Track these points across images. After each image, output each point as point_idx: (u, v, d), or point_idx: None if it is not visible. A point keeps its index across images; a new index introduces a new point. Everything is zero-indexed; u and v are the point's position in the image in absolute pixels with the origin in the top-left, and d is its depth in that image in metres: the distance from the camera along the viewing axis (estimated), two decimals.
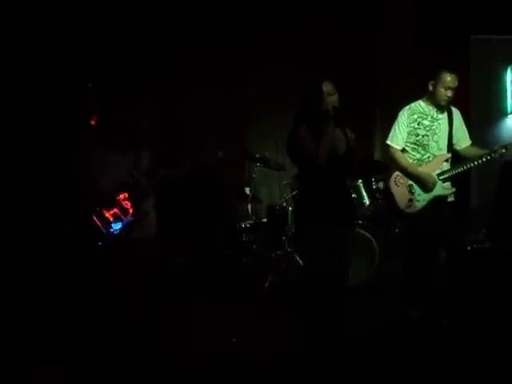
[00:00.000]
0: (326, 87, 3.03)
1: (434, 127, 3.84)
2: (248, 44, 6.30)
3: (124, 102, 5.47)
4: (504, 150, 3.69)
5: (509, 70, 5.80)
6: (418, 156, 3.88)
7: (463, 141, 3.92)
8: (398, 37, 6.26)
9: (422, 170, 3.84)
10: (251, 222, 5.66)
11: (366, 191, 5.23)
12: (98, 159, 5.38)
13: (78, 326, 3.73)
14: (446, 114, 3.87)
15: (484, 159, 3.73)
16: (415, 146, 3.88)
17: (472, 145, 3.95)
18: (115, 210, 5.44)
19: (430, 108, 3.87)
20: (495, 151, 3.70)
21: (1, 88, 4.79)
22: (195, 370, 3.34)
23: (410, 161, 3.90)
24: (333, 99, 3.02)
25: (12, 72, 4.87)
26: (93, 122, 4.84)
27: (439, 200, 3.82)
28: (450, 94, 3.75)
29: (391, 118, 4.01)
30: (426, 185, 3.80)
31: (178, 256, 5.72)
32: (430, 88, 3.80)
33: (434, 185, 3.79)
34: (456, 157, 3.92)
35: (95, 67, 5.39)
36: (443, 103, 3.81)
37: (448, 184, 3.84)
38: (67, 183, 4.78)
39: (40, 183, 4.59)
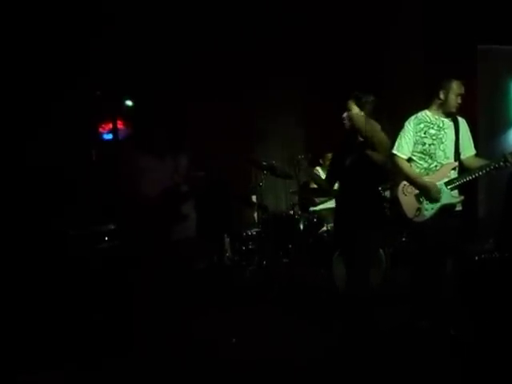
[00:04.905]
0: None
1: (440, 136, 3.85)
2: (256, 52, 6.32)
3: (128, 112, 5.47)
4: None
5: None
6: (426, 165, 3.88)
7: (468, 150, 3.92)
8: (406, 38, 6.28)
9: (430, 178, 3.84)
10: (257, 229, 5.65)
11: None
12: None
13: (81, 333, 3.74)
14: (452, 122, 3.89)
15: (492, 167, 3.70)
16: (422, 155, 3.88)
17: (477, 155, 3.95)
18: None
19: (436, 117, 3.89)
20: (505, 158, 3.66)
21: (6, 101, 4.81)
22: (195, 374, 3.36)
23: (418, 170, 3.90)
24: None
25: (21, 84, 4.89)
26: (101, 130, 4.85)
27: (447, 209, 3.81)
28: (459, 100, 3.83)
29: (399, 125, 4.02)
30: (429, 194, 3.79)
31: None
32: (442, 96, 3.84)
33: (438, 194, 3.78)
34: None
35: (106, 76, 5.40)
36: (454, 110, 3.85)
37: (456, 192, 3.83)
38: (78, 191, 4.79)
39: (49, 188, 4.61)
